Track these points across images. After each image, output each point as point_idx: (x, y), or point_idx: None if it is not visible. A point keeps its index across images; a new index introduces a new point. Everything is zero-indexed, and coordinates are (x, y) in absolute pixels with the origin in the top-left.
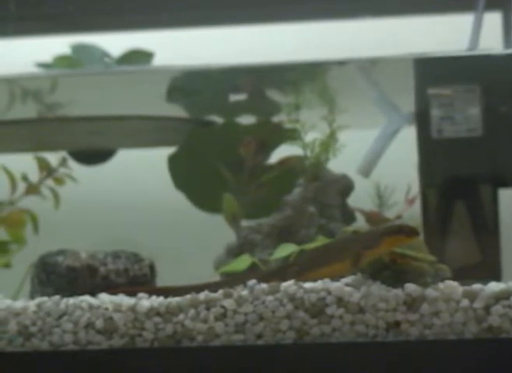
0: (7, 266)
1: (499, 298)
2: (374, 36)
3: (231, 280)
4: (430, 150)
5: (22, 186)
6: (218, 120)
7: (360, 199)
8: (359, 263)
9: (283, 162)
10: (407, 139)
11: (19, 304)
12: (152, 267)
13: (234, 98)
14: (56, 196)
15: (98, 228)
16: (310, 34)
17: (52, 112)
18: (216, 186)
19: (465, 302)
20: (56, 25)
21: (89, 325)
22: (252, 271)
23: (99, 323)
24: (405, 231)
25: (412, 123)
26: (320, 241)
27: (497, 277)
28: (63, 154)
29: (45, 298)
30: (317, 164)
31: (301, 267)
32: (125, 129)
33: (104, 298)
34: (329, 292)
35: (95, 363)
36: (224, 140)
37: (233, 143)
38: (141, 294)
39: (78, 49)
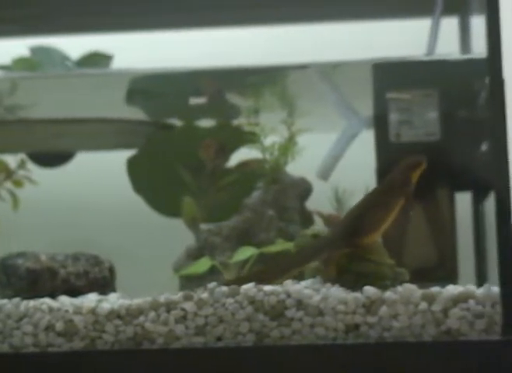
0: None
1: (457, 300)
2: (334, 40)
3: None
4: (388, 154)
5: None
6: (177, 122)
7: (319, 202)
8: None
9: (243, 165)
10: (365, 143)
11: None
12: (111, 270)
13: (194, 101)
14: (15, 198)
15: (57, 230)
16: (271, 38)
17: (12, 114)
18: (176, 190)
19: (424, 305)
20: (14, 27)
21: (50, 328)
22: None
23: (59, 326)
24: (419, 159)
25: (371, 126)
26: (280, 244)
27: (454, 280)
28: (22, 156)
29: (5, 301)
30: (276, 167)
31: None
32: (85, 131)
33: (64, 300)
34: (289, 295)
35: (55, 365)
36: (184, 143)
37: (193, 146)
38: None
39: (37, 51)
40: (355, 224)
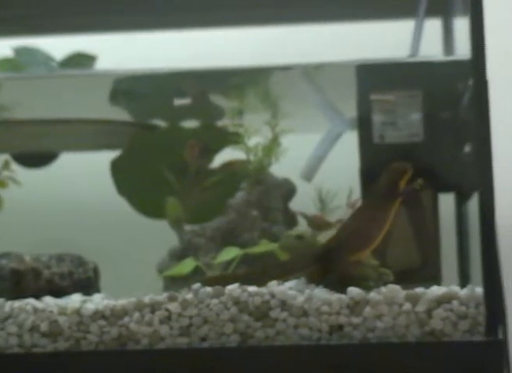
0: None
1: (440, 301)
2: (318, 41)
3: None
4: (372, 155)
5: None
6: (161, 123)
7: (303, 203)
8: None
9: (227, 165)
10: (349, 144)
11: None
12: (96, 270)
13: (178, 102)
14: None
15: (41, 231)
16: (255, 39)
17: None
18: (160, 191)
19: (407, 306)
20: None
21: (34, 328)
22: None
23: (44, 326)
24: (406, 167)
25: (355, 128)
26: (264, 245)
27: (438, 281)
28: (6, 157)
29: None
30: (260, 168)
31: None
32: (69, 132)
33: (49, 301)
34: (273, 295)
35: (40, 366)
36: (168, 144)
37: (177, 147)
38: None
39: (21, 52)
40: (347, 242)
